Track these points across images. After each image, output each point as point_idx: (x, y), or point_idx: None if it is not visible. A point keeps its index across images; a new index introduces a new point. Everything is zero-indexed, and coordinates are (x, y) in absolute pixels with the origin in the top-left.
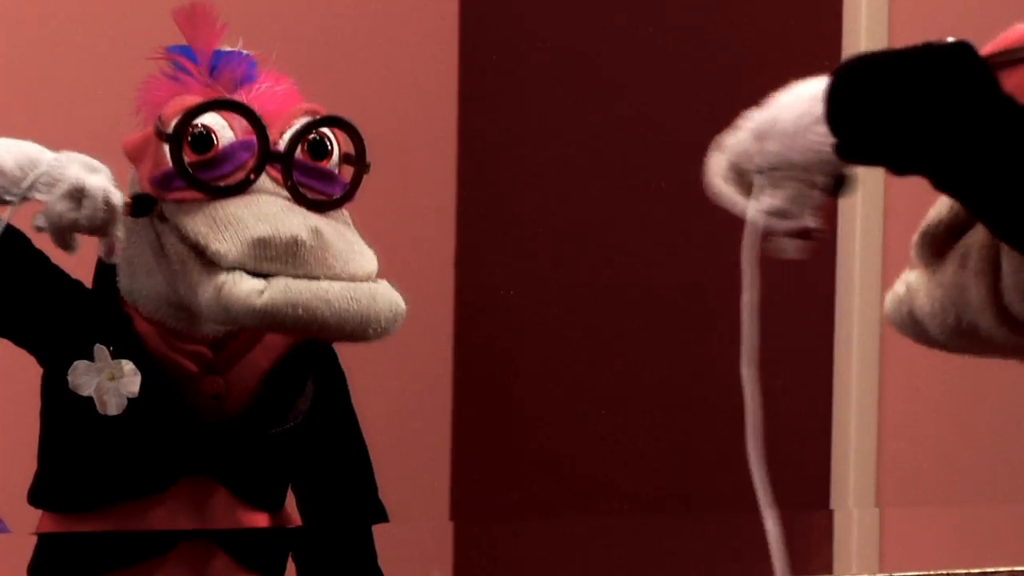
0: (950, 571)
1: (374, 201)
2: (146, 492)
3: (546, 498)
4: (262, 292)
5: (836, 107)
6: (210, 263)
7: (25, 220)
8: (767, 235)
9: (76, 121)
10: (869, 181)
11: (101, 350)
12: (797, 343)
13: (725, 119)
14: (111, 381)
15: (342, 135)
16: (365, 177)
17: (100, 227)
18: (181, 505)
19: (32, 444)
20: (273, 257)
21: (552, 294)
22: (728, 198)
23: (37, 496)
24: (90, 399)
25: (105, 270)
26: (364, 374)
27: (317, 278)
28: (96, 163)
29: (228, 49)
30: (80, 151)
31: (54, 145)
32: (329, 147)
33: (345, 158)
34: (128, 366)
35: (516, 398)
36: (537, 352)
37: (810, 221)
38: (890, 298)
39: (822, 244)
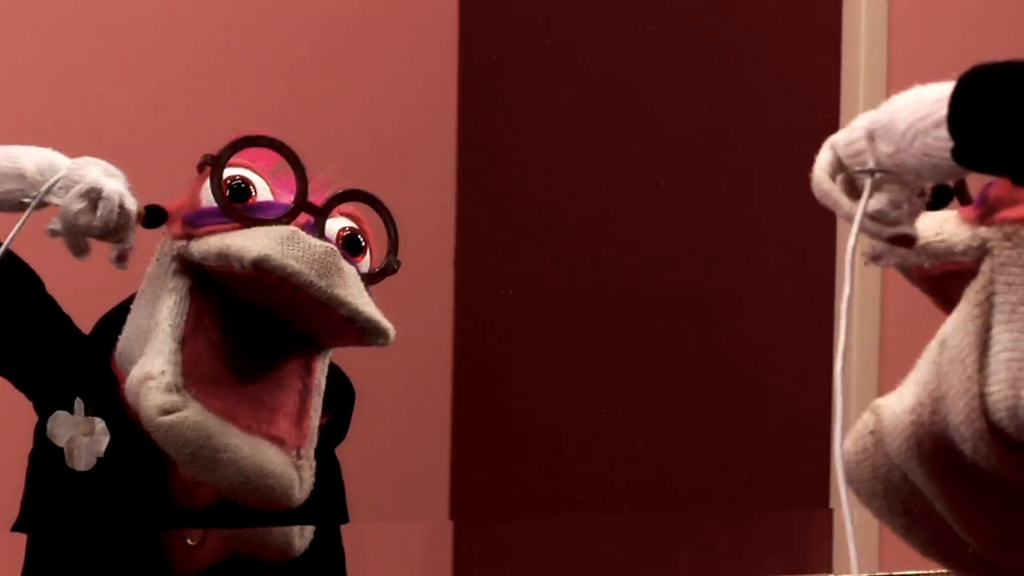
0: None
1: None
2: (112, 551)
3: (546, 498)
4: (170, 412)
5: (959, 110)
6: (178, 330)
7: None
8: (869, 238)
9: (77, 123)
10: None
11: (79, 404)
12: (797, 343)
13: (725, 119)
14: (84, 437)
15: (378, 243)
16: (362, 156)
17: (114, 231)
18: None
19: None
20: (300, 256)
21: (552, 294)
22: (833, 198)
23: (21, 526)
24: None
25: (106, 324)
26: (364, 374)
27: (338, 302)
28: (114, 168)
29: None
30: (87, 154)
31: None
32: (363, 245)
33: (368, 278)
34: (100, 424)
35: (516, 398)
36: (537, 352)
37: (912, 228)
38: (850, 444)
39: (822, 244)
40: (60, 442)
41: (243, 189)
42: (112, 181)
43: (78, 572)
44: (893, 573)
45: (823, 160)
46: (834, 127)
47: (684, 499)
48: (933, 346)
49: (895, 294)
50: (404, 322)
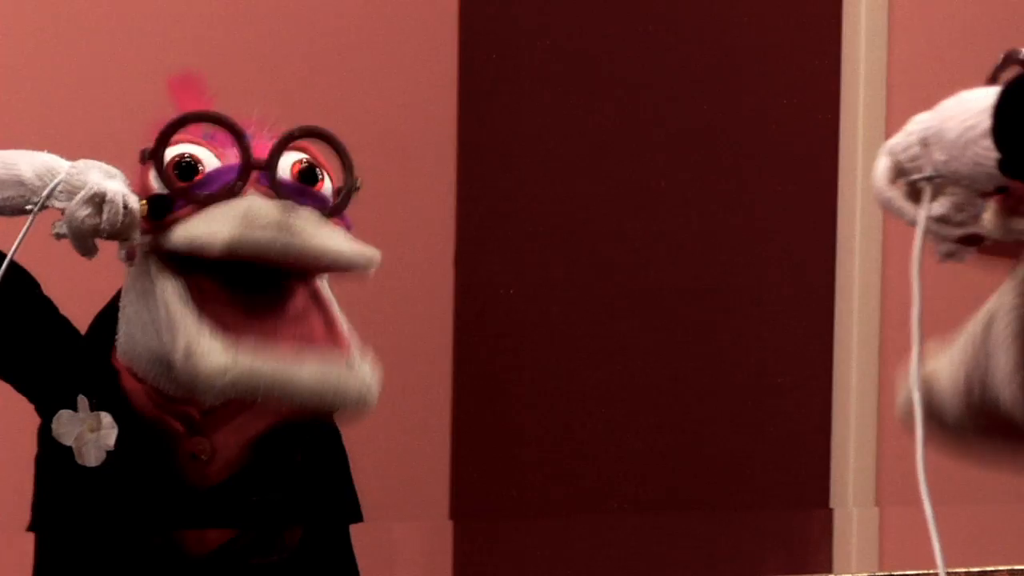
0: (950, 570)
1: (374, 201)
2: (126, 547)
3: (546, 498)
4: (228, 370)
5: (1003, 123)
6: (184, 294)
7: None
8: (937, 241)
9: (77, 124)
10: (867, 180)
11: (83, 401)
12: (797, 343)
13: (725, 119)
14: (91, 433)
15: (335, 171)
16: (356, 194)
17: (120, 231)
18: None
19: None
20: (265, 225)
21: (552, 294)
22: (896, 204)
23: (33, 526)
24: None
25: (102, 321)
26: None
27: (310, 254)
28: (113, 169)
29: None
30: (80, 154)
31: (54, 148)
32: (319, 175)
33: (337, 192)
34: (106, 419)
35: (516, 398)
36: (537, 352)
37: (979, 228)
38: (900, 393)
39: (822, 244)
40: (67, 441)
41: (190, 166)
42: (113, 183)
43: (95, 567)
44: (893, 573)
45: (881, 167)
46: (834, 127)
47: (684, 499)
48: (980, 320)
49: (895, 294)
50: (404, 322)
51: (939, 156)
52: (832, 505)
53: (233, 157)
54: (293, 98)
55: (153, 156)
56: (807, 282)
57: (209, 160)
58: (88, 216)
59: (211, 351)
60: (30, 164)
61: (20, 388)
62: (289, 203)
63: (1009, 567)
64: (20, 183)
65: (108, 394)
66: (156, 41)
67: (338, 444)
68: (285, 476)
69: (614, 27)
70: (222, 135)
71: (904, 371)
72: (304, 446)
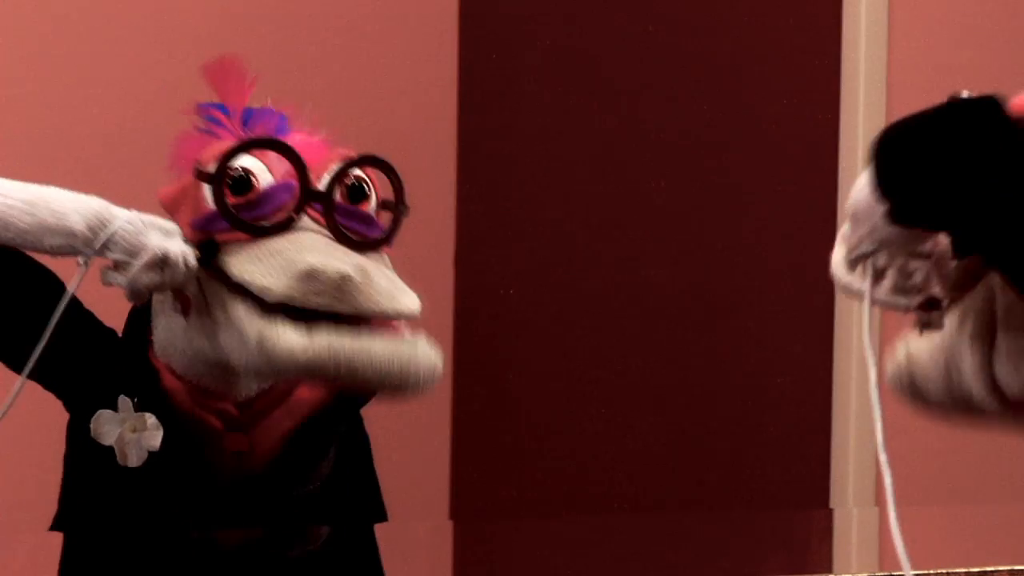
0: (950, 570)
1: None
2: (164, 546)
3: (546, 498)
4: (306, 348)
5: (879, 177)
6: (253, 307)
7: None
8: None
9: (79, 124)
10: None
11: (125, 401)
12: (797, 343)
13: (725, 119)
14: (133, 433)
15: (379, 180)
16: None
17: (179, 285)
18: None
19: (31, 450)
20: (321, 291)
21: (552, 294)
22: (849, 288)
23: (60, 526)
24: (111, 448)
25: (137, 319)
26: None
27: (364, 316)
28: (170, 225)
29: (259, 107)
30: (88, 153)
31: (61, 152)
32: (367, 191)
33: (383, 204)
34: (151, 419)
35: (516, 398)
36: (537, 352)
37: (934, 291)
38: (892, 366)
39: (822, 245)
40: (107, 441)
41: (244, 180)
42: (174, 243)
43: (127, 563)
44: (893, 573)
45: (836, 257)
46: (834, 127)
47: (684, 499)
48: (956, 316)
49: None
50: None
51: (863, 230)
52: (832, 505)
53: (284, 168)
54: (293, 98)
55: (211, 178)
56: (807, 282)
57: (262, 174)
58: (152, 279)
59: (285, 332)
60: (80, 213)
61: (53, 388)
62: (346, 270)
63: (1009, 567)
64: (71, 233)
65: (148, 393)
66: (156, 41)
67: (365, 441)
68: (319, 470)
69: (614, 27)
70: (264, 123)
71: (892, 350)
72: (337, 440)
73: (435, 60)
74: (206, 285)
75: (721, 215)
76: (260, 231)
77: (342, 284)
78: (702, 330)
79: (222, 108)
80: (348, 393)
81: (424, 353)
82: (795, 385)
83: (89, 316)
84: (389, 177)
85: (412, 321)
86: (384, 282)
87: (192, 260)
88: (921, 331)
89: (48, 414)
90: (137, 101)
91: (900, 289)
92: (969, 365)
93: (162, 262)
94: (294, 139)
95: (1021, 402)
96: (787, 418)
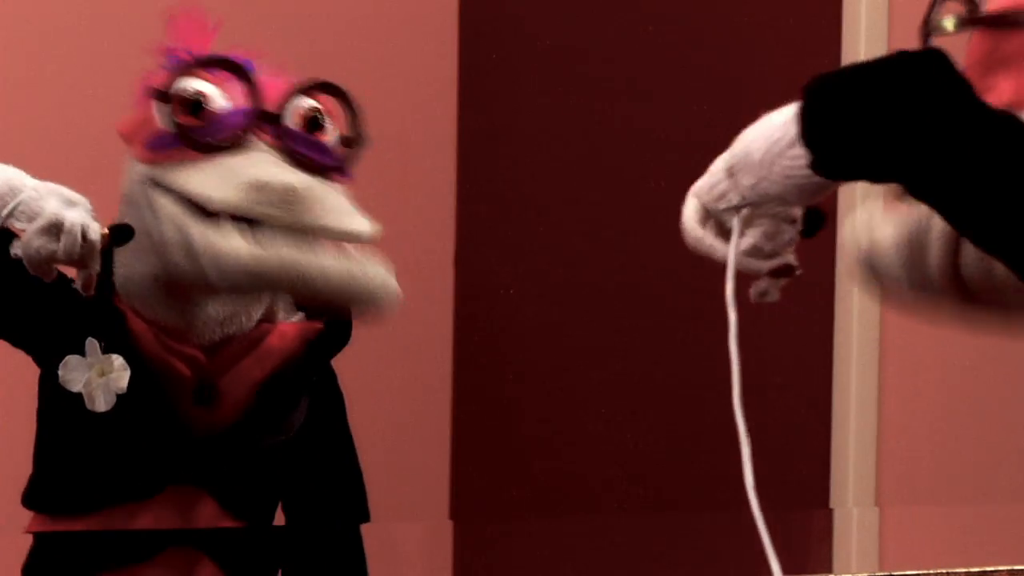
0: (949, 570)
1: (374, 201)
2: (133, 497)
3: (546, 498)
4: (253, 254)
5: (810, 123)
6: (198, 216)
7: None
8: (751, 278)
9: (74, 120)
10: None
11: (92, 344)
12: (797, 343)
13: (725, 119)
14: (100, 377)
15: (341, 118)
16: (364, 149)
17: (78, 260)
18: (167, 512)
19: (29, 445)
20: (267, 202)
21: (552, 294)
22: (706, 243)
23: (30, 498)
24: (81, 397)
25: (104, 266)
26: (364, 374)
27: (311, 230)
28: (75, 196)
29: (225, 51)
30: (77, 151)
31: (53, 145)
32: (323, 122)
33: (344, 141)
34: (118, 361)
35: (516, 398)
36: (537, 352)
37: (790, 258)
38: (855, 244)
39: (822, 244)
40: (75, 387)
41: (197, 103)
42: (73, 212)
43: (100, 493)
44: (893, 573)
45: (689, 209)
46: None
47: (684, 499)
48: (926, 208)
49: None
50: (404, 322)
51: (746, 181)
52: (832, 505)
53: (240, 96)
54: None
55: (160, 95)
56: (807, 282)
57: (216, 98)
58: (43, 245)
59: (231, 235)
60: None
61: (18, 342)
62: (291, 182)
63: (1009, 567)
64: None
65: (115, 336)
66: (152, 36)
67: (339, 396)
68: (291, 420)
69: (614, 27)
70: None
71: (853, 231)
72: (309, 391)
73: (435, 60)
74: (155, 205)
75: None
76: (209, 148)
77: (287, 195)
78: (702, 330)
79: (187, 51)
80: (318, 343)
81: (376, 271)
82: (795, 385)
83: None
84: (344, 105)
85: (407, 315)
86: (333, 201)
87: (94, 235)
88: (756, 299)
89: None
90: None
91: (757, 251)
92: (935, 256)
93: (56, 228)
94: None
95: (980, 296)
96: (787, 418)
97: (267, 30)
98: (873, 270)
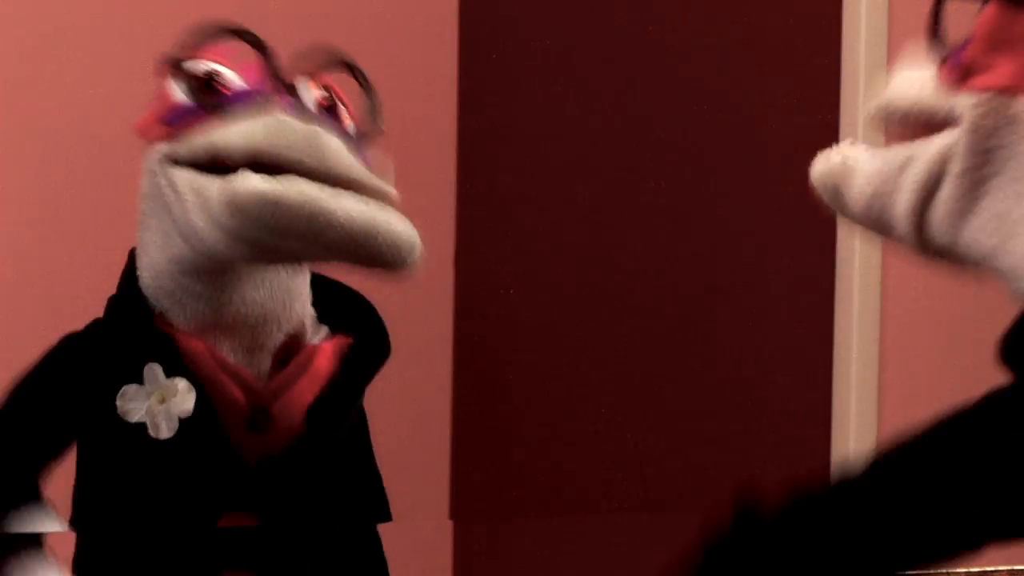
0: (950, 570)
1: None
2: (188, 527)
3: (546, 498)
4: (276, 191)
5: None
6: (222, 175)
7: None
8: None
9: (75, 123)
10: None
11: (152, 370)
12: (797, 343)
13: (725, 119)
14: (161, 403)
15: (356, 114)
16: (377, 136)
17: None
18: (223, 543)
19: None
20: (290, 144)
21: (552, 294)
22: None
23: (77, 522)
24: (136, 426)
25: (127, 288)
26: None
27: (335, 177)
28: None
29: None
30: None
31: (60, 145)
32: (340, 110)
33: (355, 142)
34: (182, 383)
35: (516, 398)
36: (537, 352)
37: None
38: (822, 164)
39: (822, 244)
40: (134, 417)
41: (213, 80)
42: None
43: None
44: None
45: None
46: (834, 127)
47: (684, 499)
48: (901, 155)
49: (895, 294)
50: (404, 322)
51: None
52: None
53: (255, 77)
54: None
55: (178, 65)
56: (807, 282)
57: (233, 80)
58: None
59: (250, 178)
60: None
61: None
62: (318, 129)
63: (1009, 567)
64: None
65: (170, 360)
66: (156, 39)
67: (366, 374)
68: (336, 449)
69: (614, 27)
70: (251, 66)
71: (825, 159)
72: (354, 413)
73: (435, 60)
74: (173, 179)
75: (721, 215)
76: (232, 112)
77: (312, 138)
78: (702, 330)
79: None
80: (353, 358)
81: (402, 225)
82: (795, 385)
83: (49, 382)
84: (360, 83)
85: (407, 315)
86: (357, 158)
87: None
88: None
89: None
90: (133, 100)
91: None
92: (904, 205)
93: None
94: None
95: (941, 253)
96: (787, 417)
97: (267, 31)
98: (836, 192)
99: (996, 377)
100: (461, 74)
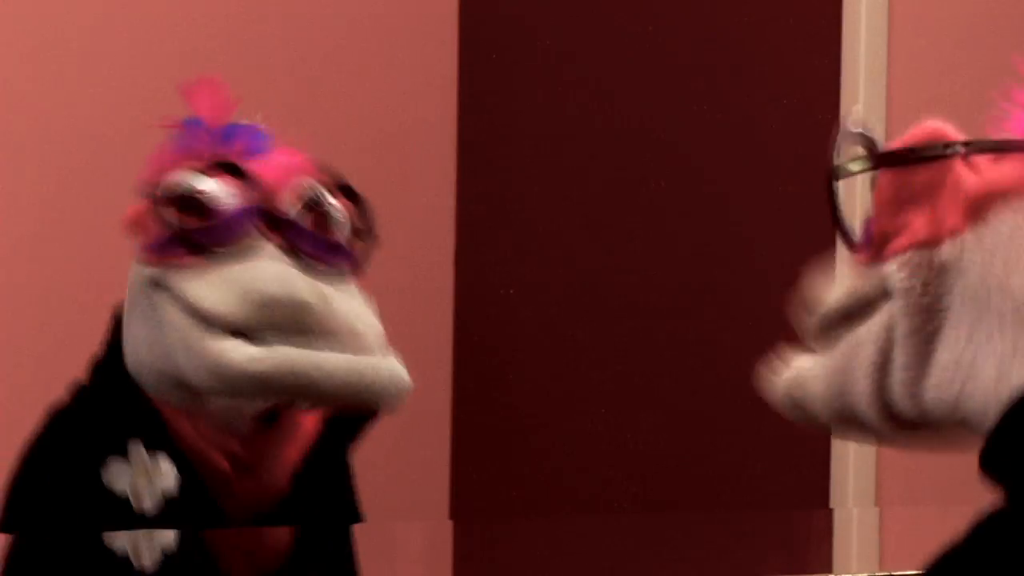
0: None
1: (374, 201)
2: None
3: (546, 498)
4: (256, 359)
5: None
6: (208, 330)
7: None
8: None
9: (75, 123)
10: (862, 180)
11: (135, 448)
12: (797, 343)
13: (725, 119)
14: (146, 480)
15: (352, 208)
16: (364, 171)
17: None
18: None
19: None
20: (277, 323)
21: (552, 294)
22: None
23: None
24: (118, 498)
25: (109, 363)
26: None
27: (320, 340)
28: None
29: (242, 123)
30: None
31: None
32: (340, 218)
33: (355, 232)
34: (164, 464)
35: (516, 398)
36: (537, 352)
37: None
38: (778, 384)
39: (822, 244)
40: (118, 488)
41: (202, 205)
42: None
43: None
44: (893, 573)
45: None
46: (834, 127)
47: (684, 499)
48: (849, 343)
49: None
50: (404, 322)
51: None
52: (832, 505)
53: (249, 191)
54: (292, 98)
55: (154, 192)
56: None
57: (218, 195)
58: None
59: (237, 347)
60: None
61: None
62: (302, 298)
63: None
64: None
65: (154, 435)
66: (154, 40)
67: (342, 444)
68: (321, 503)
69: (614, 28)
70: (242, 141)
71: (772, 373)
72: (335, 465)
73: (435, 60)
74: (158, 308)
75: (721, 215)
76: (212, 253)
77: (301, 314)
78: (702, 330)
79: (202, 124)
80: (336, 420)
81: (388, 367)
82: None
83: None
84: (357, 207)
85: (407, 315)
86: (347, 314)
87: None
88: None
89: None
90: (132, 100)
91: None
92: (863, 391)
93: None
94: (272, 158)
95: (913, 425)
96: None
97: (267, 31)
98: (796, 403)
99: None
100: (461, 74)
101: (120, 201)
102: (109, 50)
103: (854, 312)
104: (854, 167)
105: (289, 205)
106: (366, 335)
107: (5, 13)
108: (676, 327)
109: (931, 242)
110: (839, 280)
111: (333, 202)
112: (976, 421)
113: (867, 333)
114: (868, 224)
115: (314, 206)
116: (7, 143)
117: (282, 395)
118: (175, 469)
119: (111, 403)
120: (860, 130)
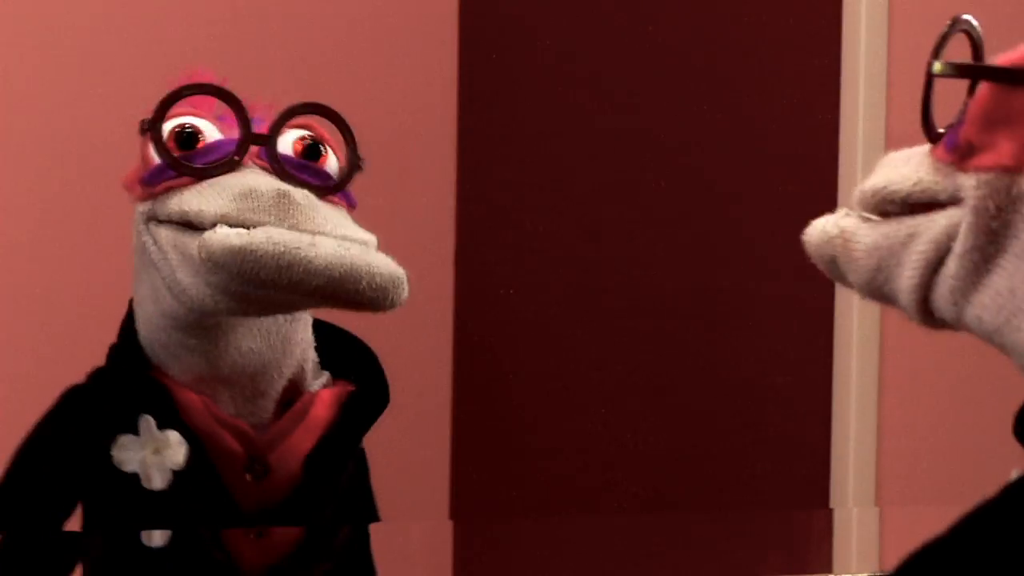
0: None
1: (374, 201)
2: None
3: (546, 498)
4: (242, 235)
5: None
6: (199, 233)
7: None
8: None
9: (76, 123)
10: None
11: (146, 422)
12: (797, 343)
13: (725, 119)
14: (155, 455)
15: (340, 149)
16: (359, 175)
17: None
18: None
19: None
20: (258, 208)
21: (552, 294)
22: None
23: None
24: (132, 476)
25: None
26: None
27: (307, 233)
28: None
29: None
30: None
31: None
32: (323, 151)
33: (341, 171)
34: (174, 436)
35: (516, 398)
36: (537, 352)
37: None
38: (818, 236)
39: None
40: (129, 467)
41: (190, 135)
42: None
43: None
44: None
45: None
46: (834, 127)
47: (684, 499)
48: (905, 229)
49: None
50: (404, 322)
51: None
52: (832, 505)
53: (231, 128)
54: (292, 98)
55: (152, 127)
56: (807, 282)
57: (210, 132)
58: None
59: (223, 228)
60: None
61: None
62: (286, 188)
63: None
64: None
65: (165, 412)
66: (153, 39)
67: (368, 420)
68: (335, 493)
69: (614, 28)
70: (230, 116)
71: (816, 227)
72: (351, 459)
73: (435, 60)
74: (156, 237)
75: (721, 215)
76: (202, 173)
77: (281, 200)
78: (702, 330)
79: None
80: (353, 405)
81: (381, 259)
82: (795, 385)
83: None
84: (337, 126)
85: (408, 315)
86: (330, 212)
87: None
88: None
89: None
90: (132, 101)
91: None
92: (908, 281)
93: None
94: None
95: (944, 324)
96: (787, 418)
97: (266, 31)
98: (833, 263)
99: (996, 377)
100: (461, 74)
101: (120, 201)
102: (109, 50)
103: (917, 202)
104: (953, 71)
105: (272, 133)
106: (358, 235)
107: (5, 13)
108: (676, 327)
109: (1015, 169)
110: (909, 163)
111: (318, 138)
112: (1017, 353)
113: (927, 227)
114: (956, 127)
115: (297, 137)
116: (7, 143)
117: (274, 282)
118: (186, 444)
119: (123, 382)
120: (969, 28)
